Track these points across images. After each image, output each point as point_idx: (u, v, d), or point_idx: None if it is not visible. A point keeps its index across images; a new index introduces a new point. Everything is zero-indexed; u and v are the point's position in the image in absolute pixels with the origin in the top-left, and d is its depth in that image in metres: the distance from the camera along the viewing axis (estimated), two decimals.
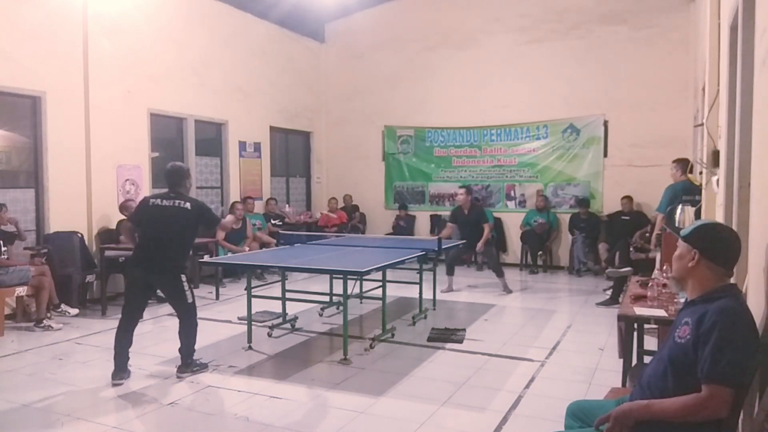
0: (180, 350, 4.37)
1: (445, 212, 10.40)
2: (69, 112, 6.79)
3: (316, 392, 4.02)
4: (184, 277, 4.31)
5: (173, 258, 4.30)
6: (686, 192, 5.64)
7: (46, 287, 5.87)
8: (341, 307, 5.22)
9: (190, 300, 4.34)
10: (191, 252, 4.65)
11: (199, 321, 6.30)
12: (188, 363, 4.36)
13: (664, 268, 3.42)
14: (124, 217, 6.95)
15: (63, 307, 6.27)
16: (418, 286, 6.35)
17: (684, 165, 5.94)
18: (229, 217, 5.41)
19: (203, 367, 4.45)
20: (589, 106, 9.44)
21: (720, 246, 1.99)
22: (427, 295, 6.66)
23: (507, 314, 6.53)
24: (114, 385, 4.16)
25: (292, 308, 5.94)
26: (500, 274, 7.62)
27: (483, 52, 10.13)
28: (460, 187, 8.04)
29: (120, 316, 4.37)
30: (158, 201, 4.39)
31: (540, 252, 9.57)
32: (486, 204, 10.19)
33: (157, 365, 4.61)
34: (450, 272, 7.77)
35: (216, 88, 8.90)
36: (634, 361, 3.51)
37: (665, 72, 8.89)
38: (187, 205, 4.32)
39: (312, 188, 11.48)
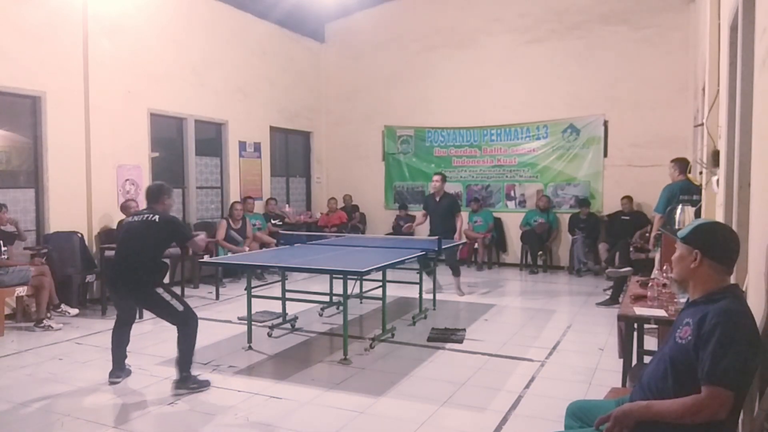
0: (176, 361, 4.10)
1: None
2: (69, 112, 6.79)
3: (316, 392, 4.02)
4: (160, 290, 4.06)
5: (141, 276, 4.05)
6: (684, 192, 5.62)
7: (46, 287, 5.87)
8: (341, 307, 5.22)
9: (180, 308, 4.09)
10: (161, 262, 4.27)
11: (199, 321, 6.31)
12: (185, 378, 4.06)
13: (664, 268, 3.42)
14: (125, 216, 6.96)
15: (63, 307, 6.27)
16: (418, 286, 6.35)
17: (682, 165, 5.91)
18: (201, 236, 4.62)
19: (203, 385, 4.09)
20: (589, 106, 9.44)
21: (720, 244, 1.99)
22: (427, 295, 6.67)
23: (507, 314, 6.53)
24: (111, 383, 4.14)
25: (292, 308, 5.94)
26: (456, 274, 7.29)
27: (483, 52, 10.13)
28: (436, 173, 7.60)
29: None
30: (131, 218, 4.30)
31: (540, 252, 9.57)
32: (486, 204, 10.20)
33: (157, 365, 4.61)
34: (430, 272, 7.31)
35: (216, 88, 8.90)
36: (634, 361, 3.51)
37: (665, 72, 8.88)
38: (155, 217, 4.14)
39: (312, 188, 11.48)
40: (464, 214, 10.15)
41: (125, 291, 4.16)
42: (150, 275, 4.10)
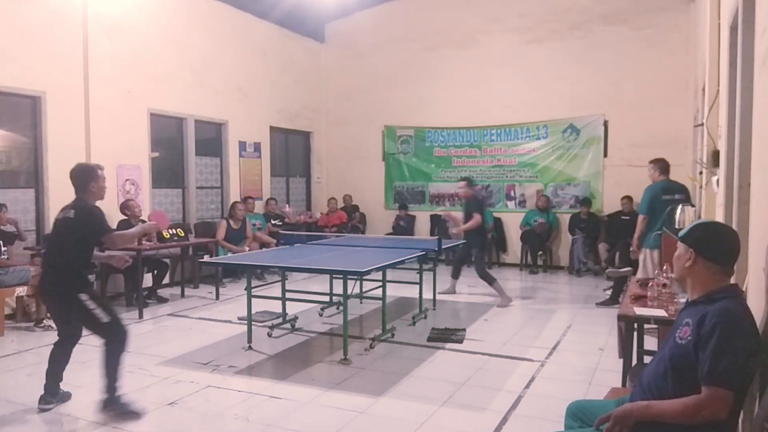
0: (105, 384, 3.65)
1: (445, 212, 10.42)
2: (69, 112, 6.79)
3: (316, 392, 4.02)
4: (84, 296, 3.60)
5: (63, 280, 3.63)
6: (666, 192, 5.71)
7: None
8: (341, 307, 5.22)
9: (105, 319, 3.64)
10: (83, 264, 3.74)
11: (198, 321, 6.33)
12: (112, 399, 3.64)
13: (665, 267, 3.42)
14: (125, 217, 6.97)
15: None
16: (418, 286, 6.35)
17: (662, 165, 5.95)
18: (134, 230, 4.12)
19: (128, 407, 3.64)
20: (589, 106, 9.44)
21: (716, 244, 1.99)
22: (427, 295, 6.67)
23: (507, 314, 6.52)
24: (40, 410, 3.67)
25: (292, 308, 5.94)
26: (491, 281, 6.93)
27: (483, 52, 10.13)
28: (461, 179, 7.52)
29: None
30: (59, 214, 3.75)
31: (540, 252, 9.57)
32: (486, 204, 10.18)
33: (157, 365, 4.61)
34: (455, 275, 7.48)
35: (216, 88, 8.89)
36: (634, 361, 3.51)
37: (665, 72, 8.89)
38: (71, 213, 3.64)
39: (312, 188, 11.48)
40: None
41: (50, 299, 3.78)
42: (72, 279, 3.63)
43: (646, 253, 5.79)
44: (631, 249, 7.03)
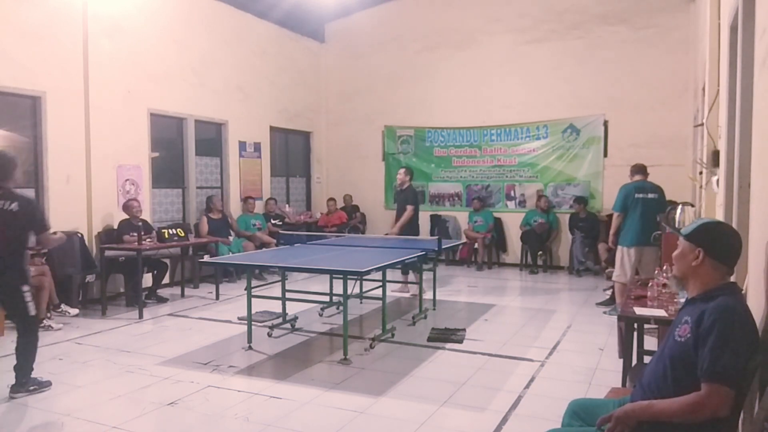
0: (15, 367, 3.90)
1: (445, 212, 10.48)
2: (69, 112, 6.79)
3: (316, 392, 4.02)
4: (26, 287, 3.91)
5: (10, 268, 3.86)
6: (638, 191, 6.03)
7: (46, 287, 5.86)
8: (341, 307, 5.22)
9: (32, 312, 3.94)
10: (24, 255, 3.98)
11: (198, 321, 6.33)
12: (23, 382, 3.91)
13: (665, 267, 3.42)
14: (126, 216, 6.98)
15: (63, 307, 6.27)
16: (417, 286, 6.35)
17: (637, 168, 6.28)
18: (60, 235, 4.61)
19: (42, 385, 3.99)
20: (589, 106, 9.44)
21: (723, 244, 2.00)
22: (427, 295, 6.67)
23: (507, 314, 6.53)
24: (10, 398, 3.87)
25: (292, 308, 5.94)
26: (403, 272, 7.13)
27: (483, 52, 10.13)
28: (402, 167, 7.78)
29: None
30: None
31: (540, 252, 9.57)
32: (486, 204, 10.20)
33: (157, 365, 4.60)
34: (404, 271, 7.28)
35: (216, 88, 8.89)
36: (634, 361, 3.51)
37: (665, 72, 8.89)
38: (14, 206, 3.86)
39: (312, 188, 11.48)
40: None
41: None
42: (20, 268, 3.89)
43: (623, 251, 5.91)
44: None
